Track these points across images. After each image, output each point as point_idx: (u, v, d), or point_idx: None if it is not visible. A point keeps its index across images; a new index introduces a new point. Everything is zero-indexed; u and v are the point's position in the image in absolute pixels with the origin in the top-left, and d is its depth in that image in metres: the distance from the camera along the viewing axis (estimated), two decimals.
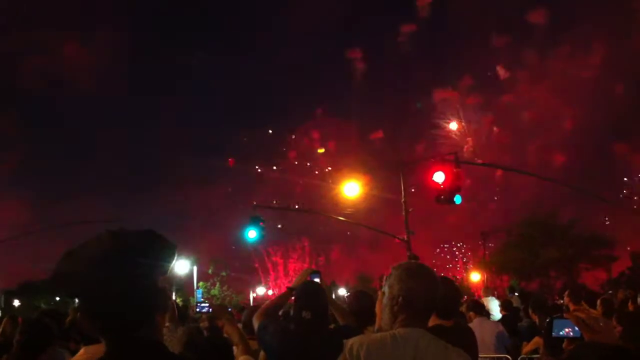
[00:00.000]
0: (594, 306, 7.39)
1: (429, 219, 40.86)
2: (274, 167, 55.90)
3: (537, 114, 52.14)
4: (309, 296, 3.88)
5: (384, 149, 54.47)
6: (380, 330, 2.77)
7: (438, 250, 50.38)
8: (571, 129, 50.00)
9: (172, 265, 1.62)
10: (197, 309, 10.92)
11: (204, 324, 12.10)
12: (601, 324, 2.30)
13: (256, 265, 48.89)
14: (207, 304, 11.11)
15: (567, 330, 2.47)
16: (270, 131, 60.90)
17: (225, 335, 4.33)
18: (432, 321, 3.54)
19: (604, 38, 48.54)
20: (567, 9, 52.05)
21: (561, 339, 2.54)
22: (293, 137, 59.61)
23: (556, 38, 52.69)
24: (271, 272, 49.03)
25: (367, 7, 73.52)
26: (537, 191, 38.53)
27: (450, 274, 42.64)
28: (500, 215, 43.76)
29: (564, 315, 2.54)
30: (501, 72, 53.04)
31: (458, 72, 56.22)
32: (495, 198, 53.64)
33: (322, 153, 55.19)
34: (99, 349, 3.29)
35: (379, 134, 57.44)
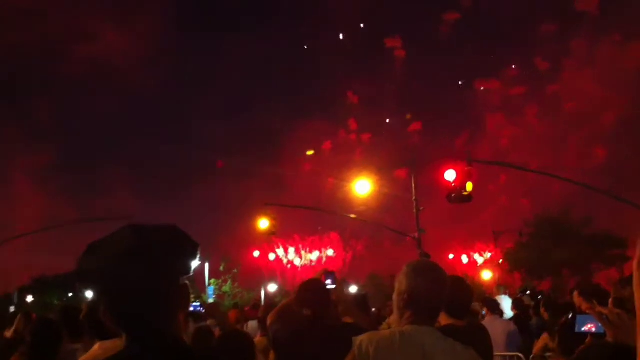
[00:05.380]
0: (606, 305, 7.30)
1: (450, 217, 40.57)
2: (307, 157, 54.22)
3: (580, 105, 51.14)
4: (309, 293, 3.92)
5: (421, 143, 53.69)
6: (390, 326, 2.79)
7: (452, 249, 49.86)
8: (613, 123, 48.91)
9: (195, 264, 1.63)
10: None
11: (211, 322, 12.18)
12: (625, 321, 2.27)
13: (270, 263, 49.01)
14: (197, 303, 10.93)
15: (589, 326, 2.43)
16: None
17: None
18: (444, 320, 3.54)
19: None
20: None
21: (576, 338, 2.52)
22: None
23: (602, 27, 51.55)
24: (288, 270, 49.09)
25: None
26: (565, 189, 37.84)
27: (463, 272, 42.34)
28: (526, 214, 42.89)
29: (586, 311, 2.51)
30: (543, 63, 52.22)
31: (502, 62, 55.53)
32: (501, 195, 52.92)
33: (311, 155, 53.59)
34: (114, 344, 3.34)
35: (418, 126, 56.56)
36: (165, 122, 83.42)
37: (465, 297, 3.81)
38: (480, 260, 48.38)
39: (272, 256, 48.68)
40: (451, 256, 48.04)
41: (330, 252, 49.97)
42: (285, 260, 49.67)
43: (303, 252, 49.97)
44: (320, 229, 49.37)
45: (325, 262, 48.96)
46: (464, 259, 48.84)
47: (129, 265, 1.47)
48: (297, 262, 50.08)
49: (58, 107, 70.73)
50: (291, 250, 50.00)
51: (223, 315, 10.73)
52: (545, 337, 7.31)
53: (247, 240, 44.28)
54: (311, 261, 49.58)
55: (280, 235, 43.59)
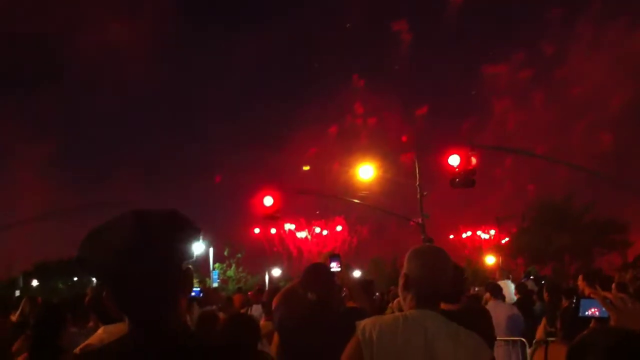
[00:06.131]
0: (608, 290, 7.31)
1: (455, 201, 40.55)
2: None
3: (586, 90, 50.72)
4: (314, 278, 3.92)
5: (427, 127, 53.54)
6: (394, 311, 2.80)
7: (454, 235, 49.72)
8: (620, 108, 48.50)
9: (196, 248, 1.63)
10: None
11: (217, 307, 12.28)
12: (629, 305, 2.27)
13: (275, 248, 49.09)
14: (198, 288, 10.83)
15: (593, 310, 2.42)
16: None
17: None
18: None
19: None
20: None
21: (579, 323, 2.52)
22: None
23: (610, 10, 50.91)
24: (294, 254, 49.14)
25: None
26: (570, 175, 37.58)
27: (466, 257, 42.33)
28: (531, 199, 42.64)
29: (591, 295, 2.50)
30: (549, 47, 51.85)
31: (509, 45, 55.09)
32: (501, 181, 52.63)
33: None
34: (118, 328, 3.36)
35: (424, 111, 56.35)
36: (168, 114, 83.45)
37: (457, 283, 3.82)
38: (484, 236, 48.09)
39: (273, 230, 48.62)
40: (451, 236, 48.02)
41: (339, 228, 50.05)
42: (290, 244, 49.75)
43: (308, 235, 50.06)
44: (318, 212, 49.53)
45: (333, 236, 49.16)
46: (468, 233, 48.69)
47: (133, 260, 1.47)
48: (302, 235, 50.12)
49: (61, 102, 70.71)
50: (293, 227, 50.02)
51: (223, 299, 10.74)
52: (544, 320, 7.32)
53: (251, 225, 44.36)
54: (321, 233, 49.59)
55: (285, 220, 43.63)
